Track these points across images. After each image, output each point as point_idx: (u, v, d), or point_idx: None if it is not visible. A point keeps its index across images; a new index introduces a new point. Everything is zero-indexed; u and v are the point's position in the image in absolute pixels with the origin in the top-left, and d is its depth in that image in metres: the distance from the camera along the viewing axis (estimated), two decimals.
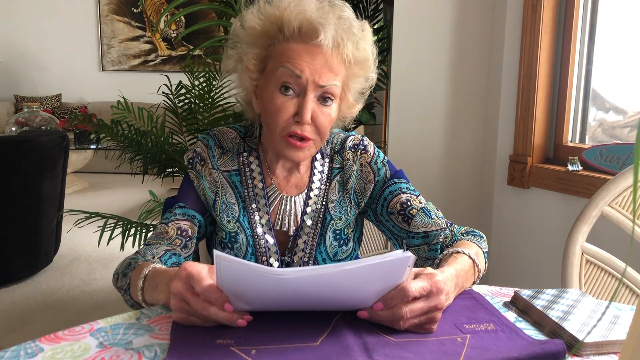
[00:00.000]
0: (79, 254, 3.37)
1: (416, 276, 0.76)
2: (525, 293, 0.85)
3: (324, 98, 0.95)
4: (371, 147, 1.09)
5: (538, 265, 1.87)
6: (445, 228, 1.01)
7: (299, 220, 1.05)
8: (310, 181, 1.06)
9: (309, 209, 1.05)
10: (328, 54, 0.93)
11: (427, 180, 2.12)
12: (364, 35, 0.98)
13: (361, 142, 1.09)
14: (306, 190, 1.06)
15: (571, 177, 1.68)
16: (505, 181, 1.96)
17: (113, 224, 2.11)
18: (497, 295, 0.89)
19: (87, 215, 2.15)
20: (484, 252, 0.96)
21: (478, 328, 0.74)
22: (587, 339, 0.70)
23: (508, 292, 0.90)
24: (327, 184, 1.07)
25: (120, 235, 2.11)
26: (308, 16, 0.93)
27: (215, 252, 0.67)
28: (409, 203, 1.03)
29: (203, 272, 0.72)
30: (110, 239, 2.08)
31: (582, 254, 1.17)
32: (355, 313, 0.76)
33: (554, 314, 0.77)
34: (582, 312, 0.78)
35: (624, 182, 1.17)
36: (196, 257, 1.81)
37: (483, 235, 1.01)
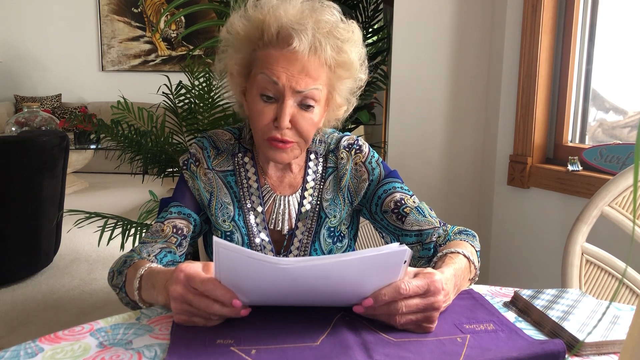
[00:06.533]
0: (79, 254, 3.37)
1: (415, 275, 0.76)
2: (525, 293, 0.85)
3: (305, 103, 0.95)
4: (366, 147, 1.10)
5: (538, 265, 1.86)
6: (438, 227, 1.02)
7: (294, 219, 1.06)
8: (304, 181, 1.07)
9: (303, 209, 1.06)
10: (305, 59, 0.93)
11: (427, 180, 2.12)
12: (349, 37, 0.97)
13: (356, 142, 1.10)
14: (300, 190, 1.07)
15: (571, 177, 1.68)
16: (505, 181, 1.96)
17: (113, 224, 2.11)
18: (497, 295, 0.89)
19: (87, 215, 2.15)
20: (477, 250, 0.97)
21: (478, 328, 0.74)
22: (587, 339, 0.70)
23: (508, 292, 0.90)
24: (321, 183, 1.08)
25: (120, 235, 2.11)
26: (284, 22, 0.93)
27: (215, 238, 0.67)
28: (402, 202, 1.04)
29: (200, 271, 0.72)
30: (110, 239, 2.08)
31: (582, 254, 1.17)
32: (355, 313, 0.75)
33: (554, 314, 0.77)
34: (582, 312, 0.78)
35: (624, 182, 1.17)
36: (195, 258, 1.81)
37: (475, 234, 1.02)
